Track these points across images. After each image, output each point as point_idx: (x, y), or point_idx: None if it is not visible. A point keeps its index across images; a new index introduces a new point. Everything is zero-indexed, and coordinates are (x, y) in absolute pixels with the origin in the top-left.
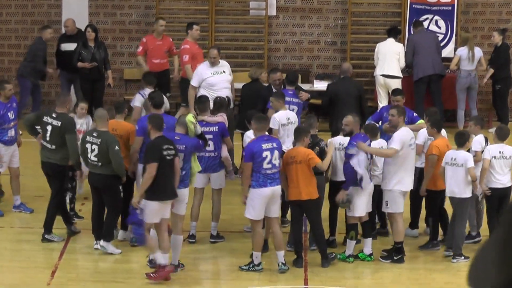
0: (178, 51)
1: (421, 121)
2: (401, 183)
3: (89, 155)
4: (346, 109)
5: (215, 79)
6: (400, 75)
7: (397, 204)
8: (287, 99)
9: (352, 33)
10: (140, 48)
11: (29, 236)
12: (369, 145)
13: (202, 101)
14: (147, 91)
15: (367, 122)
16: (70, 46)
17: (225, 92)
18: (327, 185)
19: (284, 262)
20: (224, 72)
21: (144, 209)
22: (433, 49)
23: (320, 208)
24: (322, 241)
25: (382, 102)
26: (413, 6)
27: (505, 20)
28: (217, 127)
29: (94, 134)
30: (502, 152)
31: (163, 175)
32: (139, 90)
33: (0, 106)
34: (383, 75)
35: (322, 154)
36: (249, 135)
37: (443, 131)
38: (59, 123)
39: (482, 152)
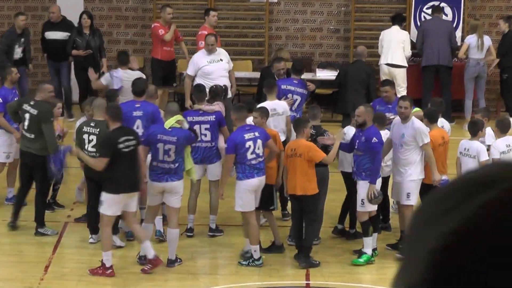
0: (183, 37)
1: (417, 108)
2: (423, 171)
3: (86, 146)
4: (352, 92)
5: (212, 68)
6: (405, 64)
7: (416, 195)
8: (291, 88)
9: (356, 20)
10: (162, 31)
11: (22, 229)
12: (380, 133)
13: (199, 90)
14: (119, 72)
15: None
16: (54, 35)
17: (222, 81)
18: (337, 178)
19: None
20: (221, 60)
21: (103, 201)
22: (442, 38)
23: (317, 204)
24: (311, 239)
25: None
26: None
27: None
28: (214, 116)
29: (92, 124)
30: (509, 145)
31: (120, 168)
32: (111, 70)
33: (7, 92)
34: (387, 64)
35: (327, 145)
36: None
37: (446, 123)
38: (36, 112)
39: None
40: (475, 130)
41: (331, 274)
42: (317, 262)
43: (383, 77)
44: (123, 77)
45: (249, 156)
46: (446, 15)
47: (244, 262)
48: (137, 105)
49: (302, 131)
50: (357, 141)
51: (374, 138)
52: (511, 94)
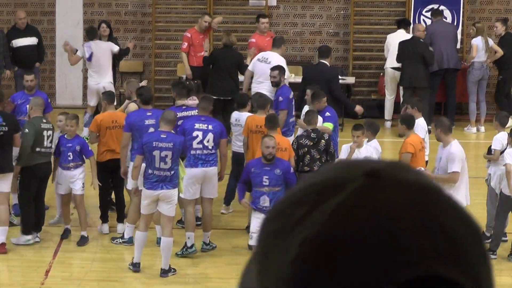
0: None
1: (327, 124)
2: (468, 198)
3: (45, 143)
4: (409, 67)
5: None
6: None
7: None
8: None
9: (355, 24)
10: (185, 44)
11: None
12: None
13: (180, 87)
14: (90, 43)
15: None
16: (23, 41)
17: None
18: None
19: (207, 242)
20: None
21: None
22: (450, 41)
23: None
24: None
25: (390, 95)
26: None
27: None
28: (196, 110)
29: (44, 121)
30: None
31: None
32: (85, 42)
33: (17, 95)
34: (394, 68)
35: (328, 147)
36: (236, 116)
37: (423, 123)
38: None
39: (502, 152)
40: None
41: None
42: None
43: (388, 80)
44: (92, 46)
45: (195, 145)
46: (446, 18)
47: (179, 252)
48: (148, 113)
49: (277, 126)
50: (267, 176)
51: (292, 169)
52: (500, 95)
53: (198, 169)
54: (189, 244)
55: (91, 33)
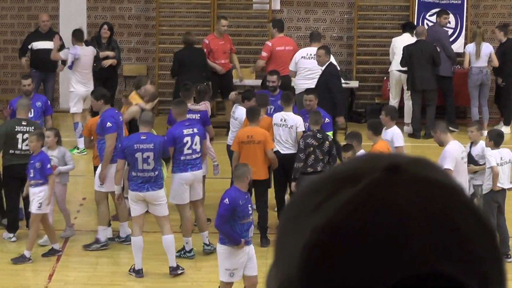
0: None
1: (329, 133)
2: None
3: (19, 146)
4: (419, 70)
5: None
6: None
7: None
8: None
9: (359, 28)
10: (204, 51)
11: (26, 238)
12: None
13: (186, 88)
14: (76, 48)
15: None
16: (43, 44)
17: None
18: None
19: (207, 242)
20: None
21: None
22: (439, 46)
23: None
24: (264, 220)
25: (394, 98)
26: None
27: None
28: (199, 115)
29: (24, 123)
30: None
31: None
32: (70, 48)
33: (15, 101)
34: (400, 71)
35: (331, 149)
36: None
37: (397, 130)
38: None
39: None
40: (501, 141)
41: None
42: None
43: (393, 83)
44: (80, 52)
45: (186, 151)
46: (449, 22)
47: (176, 254)
48: (116, 111)
49: (257, 119)
50: (250, 204)
51: None
52: (509, 103)
53: (188, 173)
54: (188, 249)
55: (78, 36)
